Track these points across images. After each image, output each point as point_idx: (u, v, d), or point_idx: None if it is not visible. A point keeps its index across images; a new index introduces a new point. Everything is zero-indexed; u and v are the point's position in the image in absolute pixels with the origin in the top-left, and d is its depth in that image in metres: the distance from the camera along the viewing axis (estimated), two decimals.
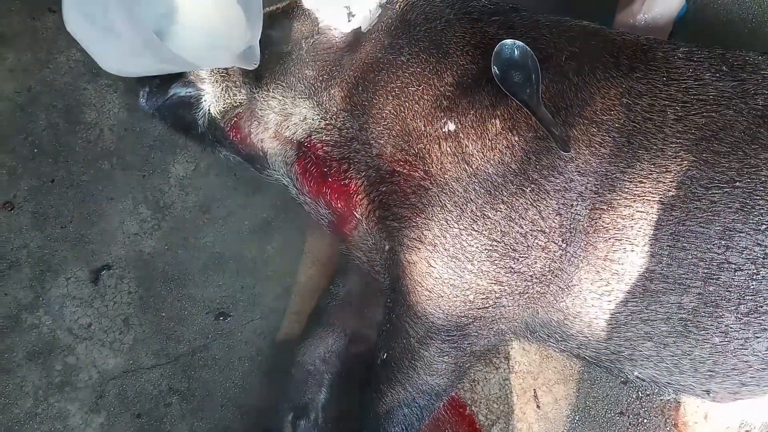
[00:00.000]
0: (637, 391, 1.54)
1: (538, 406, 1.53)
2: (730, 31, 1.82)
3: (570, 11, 1.43)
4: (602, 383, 1.55)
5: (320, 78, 1.36)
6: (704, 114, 1.23)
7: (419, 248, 1.26)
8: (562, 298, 1.28)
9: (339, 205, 1.39)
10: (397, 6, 1.37)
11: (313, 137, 1.39)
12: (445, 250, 1.25)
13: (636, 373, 1.34)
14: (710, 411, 1.52)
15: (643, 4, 1.60)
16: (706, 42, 1.52)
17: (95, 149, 1.67)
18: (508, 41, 1.25)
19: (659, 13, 1.62)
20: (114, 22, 1.19)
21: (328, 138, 1.37)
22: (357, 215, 1.38)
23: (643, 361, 1.30)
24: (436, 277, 1.26)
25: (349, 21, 1.34)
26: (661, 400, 1.53)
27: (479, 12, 1.37)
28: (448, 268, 1.25)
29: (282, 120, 1.40)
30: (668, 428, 1.52)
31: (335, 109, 1.36)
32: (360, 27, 1.35)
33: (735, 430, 1.50)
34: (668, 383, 1.34)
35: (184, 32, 1.33)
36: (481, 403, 1.53)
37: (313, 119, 1.38)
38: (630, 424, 1.52)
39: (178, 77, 1.44)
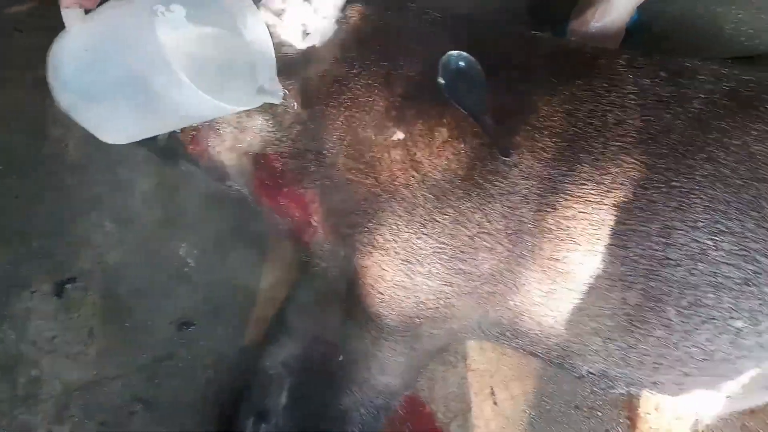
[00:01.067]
0: (592, 386, 1.56)
1: (495, 403, 1.56)
2: (681, 38, 1.87)
3: (526, 21, 1.48)
4: (557, 379, 1.59)
5: None
6: (642, 118, 1.28)
7: (372, 253, 1.31)
8: (511, 297, 1.32)
9: (296, 214, 1.43)
10: (351, 20, 1.41)
11: (268, 150, 1.43)
12: (397, 253, 1.29)
13: (587, 368, 1.39)
14: (661, 402, 1.55)
15: (596, 13, 1.66)
16: (658, 49, 1.57)
17: (60, 164, 1.69)
18: (455, 52, 1.30)
19: (611, 21, 1.67)
20: (125, 87, 1.17)
21: (283, 150, 1.41)
22: (314, 223, 1.42)
23: (592, 355, 1.35)
24: (389, 280, 1.31)
25: (303, 39, 1.38)
26: (614, 393, 1.56)
27: (429, 24, 1.42)
28: (400, 271, 1.30)
29: (238, 133, 1.44)
30: (621, 420, 1.56)
31: (289, 122, 1.40)
32: (314, 44, 1.39)
33: (686, 420, 1.55)
34: (618, 377, 1.38)
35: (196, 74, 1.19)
36: (439, 401, 1.56)
37: (268, 132, 1.42)
38: (585, 418, 1.56)
39: None
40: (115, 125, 1.28)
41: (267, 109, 1.41)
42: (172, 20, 1.22)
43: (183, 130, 1.48)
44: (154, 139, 1.47)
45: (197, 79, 1.08)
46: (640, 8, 1.75)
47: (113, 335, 1.60)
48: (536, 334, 1.36)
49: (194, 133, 1.47)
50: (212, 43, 1.30)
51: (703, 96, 1.30)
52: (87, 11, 1.22)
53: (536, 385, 1.58)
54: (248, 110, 1.41)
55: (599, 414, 1.57)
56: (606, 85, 1.32)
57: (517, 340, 1.41)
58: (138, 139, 1.35)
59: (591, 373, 1.40)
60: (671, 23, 1.88)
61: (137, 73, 1.13)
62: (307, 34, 1.37)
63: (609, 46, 1.64)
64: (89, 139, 1.65)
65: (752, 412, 1.57)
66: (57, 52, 1.22)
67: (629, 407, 1.57)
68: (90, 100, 1.23)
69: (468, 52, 1.30)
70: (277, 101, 1.26)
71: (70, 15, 1.20)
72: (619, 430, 1.56)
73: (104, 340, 1.59)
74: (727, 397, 1.40)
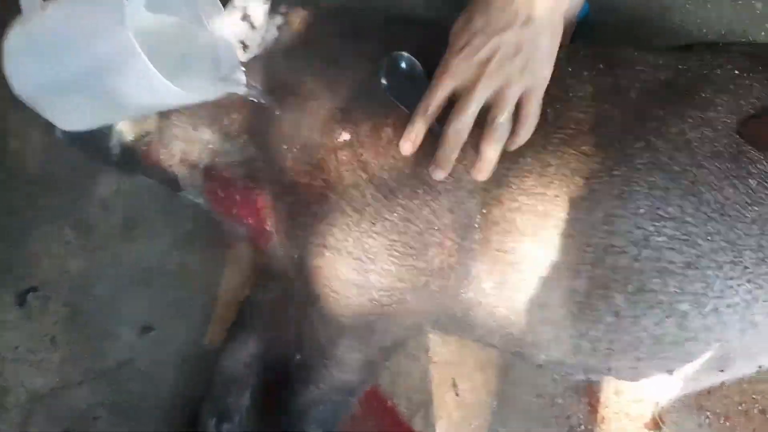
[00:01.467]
0: (552, 374, 1.61)
1: (457, 394, 1.59)
2: (631, 30, 1.90)
3: None
4: (518, 368, 1.61)
5: (219, 104, 1.42)
6: (581, 110, 1.31)
7: (324, 253, 1.33)
8: (464, 290, 1.35)
9: (249, 221, 1.45)
10: (293, 26, 1.44)
11: (217, 160, 1.45)
12: (349, 252, 1.32)
13: (543, 357, 1.42)
14: (620, 387, 1.60)
15: None
16: (607, 41, 1.58)
17: (19, 176, 1.72)
18: (396, 53, 1.32)
19: None
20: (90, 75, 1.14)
21: (232, 159, 1.44)
22: (268, 228, 1.45)
23: (546, 344, 1.38)
24: (342, 279, 1.33)
25: (244, 52, 1.40)
26: (574, 380, 1.60)
27: (372, 27, 1.44)
28: (353, 270, 1.32)
29: (186, 146, 1.47)
30: (582, 406, 1.59)
31: (236, 132, 1.42)
32: (255, 54, 1.41)
33: (645, 403, 1.59)
34: (574, 364, 1.41)
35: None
36: (402, 395, 1.59)
37: (215, 143, 1.45)
38: (547, 405, 1.59)
39: None
40: (74, 114, 1.26)
41: (213, 122, 1.43)
42: (132, 9, 1.21)
43: (134, 144, 1.50)
44: (109, 153, 1.50)
45: (159, 68, 1.07)
46: (589, 0, 1.78)
47: (76, 342, 1.62)
48: (490, 326, 1.38)
49: (145, 148, 1.49)
50: (173, 33, 1.29)
51: (639, 86, 1.32)
52: None
53: (498, 375, 1.61)
54: (195, 124, 1.43)
55: (560, 401, 1.60)
56: None
57: (472, 333, 1.44)
58: (95, 126, 1.34)
59: (548, 361, 1.43)
60: (621, 15, 1.92)
61: (102, 61, 1.11)
62: (247, 47, 1.39)
63: None
64: (47, 150, 1.70)
65: (709, 392, 1.60)
66: (15, 40, 1.19)
67: (590, 393, 1.61)
68: (50, 89, 1.20)
69: (408, 51, 1.33)
70: (240, 91, 1.26)
71: (29, 2, 1.16)
72: (581, 415, 1.59)
73: (67, 348, 1.62)
74: (681, 379, 1.43)
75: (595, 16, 1.84)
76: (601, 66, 1.37)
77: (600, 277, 1.27)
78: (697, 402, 1.60)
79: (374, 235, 1.31)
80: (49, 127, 1.55)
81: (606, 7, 1.89)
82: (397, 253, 1.31)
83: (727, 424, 1.59)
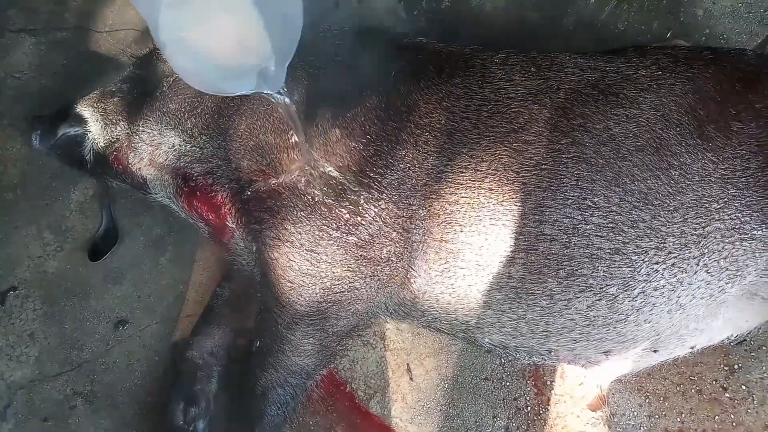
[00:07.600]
0: (500, 359, 1.69)
1: (411, 379, 1.68)
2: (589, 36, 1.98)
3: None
4: (468, 353, 1.70)
5: (182, 110, 1.54)
6: (513, 109, 1.42)
7: (279, 245, 1.43)
8: (411, 278, 1.45)
9: (211, 217, 1.56)
10: None
11: (181, 160, 1.56)
12: (302, 245, 1.42)
13: (487, 340, 1.51)
14: (565, 370, 1.68)
15: None
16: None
17: (0, 183, 1.82)
18: None
19: None
20: None
21: (194, 158, 1.54)
22: (229, 225, 1.55)
23: (488, 327, 1.47)
24: (296, 270, 1.43)
25: None
26: (521, 364, 1.68)
27: (320, 37, 1.56)
28: (306, 260, 1.42)
29: (153, 149, 1.58)
30: (528, 389, 1.68)
31: (198, 134, 1.54)
32: None
33: (587, 385, 1.66)
34: (516, 347, 1.50)
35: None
36: (359, 380, 1.68)
37: (180, 145, 1.56)
38: (494, 388, 1.68)
39: (64, 118, 1.64)
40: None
41: (178, 125, 1.54)
42: None
43: (106, 150, 1.62)
44: (83, 159, 1.63)
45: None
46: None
47: (54, 336, 1.72)
48: (437, 311, 1.48)
49: (115, 153, 1.61)
50: None
51: (568, 87, 1.43)
52: None
53: (449, 361, 1.69)
54: (160, 129, 1.56)
55: (508, 384, 1.68)
56: (480, 82, 1.45)
57: (422, 319, 1.53)
58: None
59: (491, 344, 1.52)
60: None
61: None
62: None
63: None
64: (26, 159, 1.80)
65: (648, 374, 1.68)
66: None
67: (536, 376, 1.68)
68: None
69: (353, 57, 1.43)
70: (271, 90, 1.23)
71: None
72: (527, 397, 1.67)
73: (45, 342, 1.71)
74: (619, 361, 1.52)
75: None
76: (533, 69, 1.48)
77: (533, 263, 1.37)
78: (638, 383, 1.68)
79: (325, 228, 1.40)
80: (28, 137, 1.69)
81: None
82: (347, 245, 1.41)
83: (666, 404, 1.66)
